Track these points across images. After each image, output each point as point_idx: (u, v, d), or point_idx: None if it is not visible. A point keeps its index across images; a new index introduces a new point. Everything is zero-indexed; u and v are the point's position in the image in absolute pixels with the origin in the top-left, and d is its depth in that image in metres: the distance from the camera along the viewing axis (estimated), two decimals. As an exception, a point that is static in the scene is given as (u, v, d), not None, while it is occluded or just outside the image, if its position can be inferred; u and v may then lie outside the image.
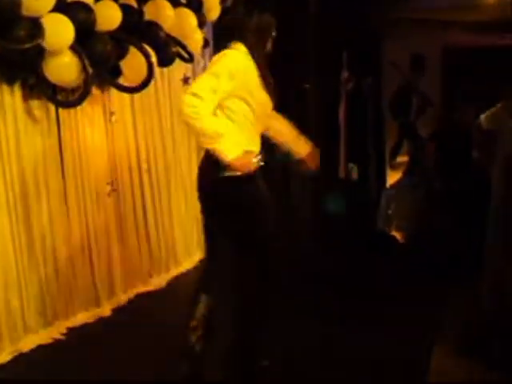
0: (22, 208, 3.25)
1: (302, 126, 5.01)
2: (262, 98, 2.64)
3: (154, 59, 3.54)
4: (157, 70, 3.76)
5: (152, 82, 3.66)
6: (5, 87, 3.11)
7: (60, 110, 3.43)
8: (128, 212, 4.01)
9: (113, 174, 3.86)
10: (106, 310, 3.71)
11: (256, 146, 2.66)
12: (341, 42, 5.65)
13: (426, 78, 5.81)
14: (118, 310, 3.76)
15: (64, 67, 3.08)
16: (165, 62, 3.81)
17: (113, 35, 3.29)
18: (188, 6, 3.97)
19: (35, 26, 2.89)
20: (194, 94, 2.45)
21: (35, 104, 3.29)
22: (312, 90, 5.12)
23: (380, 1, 5.47)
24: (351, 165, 6.14)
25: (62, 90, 3.32)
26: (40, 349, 3.26)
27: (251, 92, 2.59)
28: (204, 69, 4.72)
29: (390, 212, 5.21)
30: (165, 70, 4.18)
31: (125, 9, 3.35)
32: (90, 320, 3.60)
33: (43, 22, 2.91)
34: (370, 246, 4.73)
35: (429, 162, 4.78)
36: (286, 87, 2.74)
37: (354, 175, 6.20)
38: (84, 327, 3.53)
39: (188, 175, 4.63)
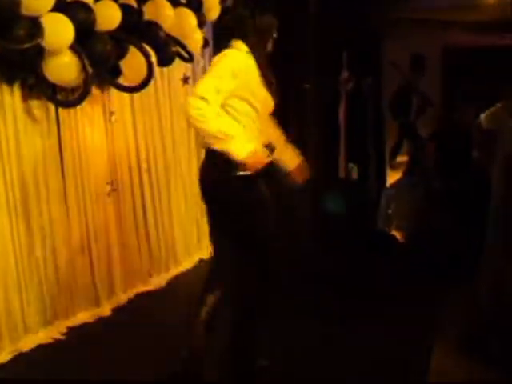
0: (21, 208, 3.25)
1: (302, 125, 5.04)
2: (264, 97, 2.64)
3: (153, 59, 3.54)
4: (156, 69, 3.76)
5: (152, 82, 3.66)
6: (4, 87, 3.10)
7: (60, 109, 3.43)
8: (128, 212, 4.01)
9: (113, 174, 3.86)
10: (105, 310, 3.71)
11: (259, 145, 2.66)
12: (341, 42, 5.65)
13: (426, 78, 5.82)
14: (117, 310, 3.76)
15: (64, 67, 3.08)
16: (164, 61, 3.81)
17: (112, 35, 3.29)
18: (188, 5, 3.97)
19: (35, 26, 2.89)
20: (199, 97, 2.45)
21: (35, 104, 3.28)
22: (312, 89, 5.12)
23: (380, 1, 5.47)
24: (351, 165, 6.15)
25: (62, 89, 3.32)
26: (40, 348, 3.26)
27: (253, 91, 2.59)
28: (204, 69, 4.74)
29: (389, 212, 5.21)
30: (164, 69, 4.18)
31: (124, 8, 3.35)
32: (90, 320, 3.59)
33: (43, 22, 2.91)
34: (369, 246, 4.73)
35: (429, 161, 4.78)
36: (286, 87, 2.73)
37: (354, 175, 6.21)
38: (84, 327, 3.53)
39: (188, 175, 4.63)
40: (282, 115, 2.92)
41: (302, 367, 2.95)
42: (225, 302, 2.78)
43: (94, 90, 3.56)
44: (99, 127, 3.75)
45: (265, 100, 2.65)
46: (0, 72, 3.04)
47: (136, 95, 3.95)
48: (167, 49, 3.77)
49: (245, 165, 2.54)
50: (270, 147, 2.69)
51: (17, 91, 3.17)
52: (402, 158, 6.10)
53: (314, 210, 5.41)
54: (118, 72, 3.54)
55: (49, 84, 3.17)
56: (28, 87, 3.21)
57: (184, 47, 3.95)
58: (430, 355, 3.03)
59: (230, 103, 2.57)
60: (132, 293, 3.97)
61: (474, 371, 2.87)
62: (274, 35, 2.72)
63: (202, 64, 4.71)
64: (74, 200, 3.58)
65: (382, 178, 6.38)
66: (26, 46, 2.86)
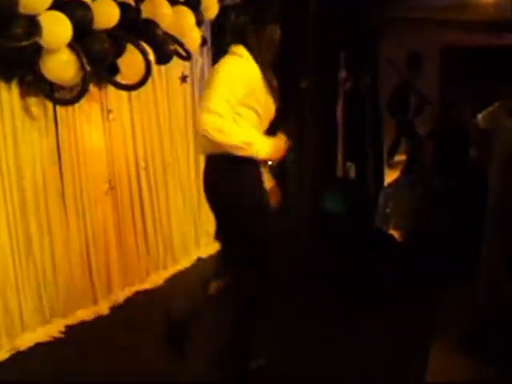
0: (19, 206, 3.25)
1: (300, 125, 5.05)
2: (267, 103, 2.65)
3: (151, 57, 3.54)
4: (154, 68, 3.76)
5: (150, 80, 3.65)
6: (2, 85, 3.11)
7: (57, 107, 3.43)
8: (126, 210, 4.01)
9: (110, 172, 3.86)
10: (103, 308, 3.71)
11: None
12: (339, 41, 5.66)
13: (424, 77, 5.82)
14: (115, 308, 3.76)
15: (61, 65, 3.08)
16: (162, 59, 3.81)
17: (110, 33, 3.29)
18: (186, 3, 3.97)
19: (32, 24, 2.89)
20: (212, 112, 2.44)
21: (33, 101, 3.28)
22: (310, 89, 5.13)
23: (378, 0, 5.48)
24: (349, 164, 6.15)
25: (60, 87, 3.32)
26: (38, 347, 3.26)
27: (257, 98, 2.59)
28: (202, 68, 4.74)
29: (387, 211, 5.21)
30: (162, 68, 4.18)
31: (122, 7, 3.35)
32: (88, 318, 3.59)
33: (41, 20, 2.91)
34: (368, 245, 4.74)
35: (427, 160, 4.78)
36: (285, 87, 2.74)
37: (352, 174, 6.21)
38: (82, 325, 3.53)
39: (186, 173, 4.64)
40: (281, 115, 2.92)
41: (301, 367, 2.95)
42: (225, 301, 2.79)
43: (92, 88, 3.55)
44: (97, 125, 3.74)
45: (267, 106, 2.65)
46: (-2, 70, 3.05)
47: (134, 93, 3.95)
48: (165, 47, 3.77)
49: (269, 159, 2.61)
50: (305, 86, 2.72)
51: (15, 89, 3.17)
52: (400, 157, 6.11)
53: (312, 208, 5.42)
54: (115, 70, 3.54)
55: (47, 82, 3.17)
56: (26, 85, 3.21)
57: (182, 45, 3.95)
58: (427, 354, 3.03)
59: (236, 111, 2.56)
60: (130, 291, 3.97)
61: (473, 370, 2.87)
62: (276, 41, 2.71)
63: (200, 63, 4.72)
64: (71, 198, 3.58)
65: (380, 176, 6.39)
66: (24, 44, 2.86)
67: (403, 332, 3.29)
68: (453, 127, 4.59)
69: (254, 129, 2.61)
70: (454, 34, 6.23)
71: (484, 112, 3.31)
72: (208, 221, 4.76)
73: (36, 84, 3.21)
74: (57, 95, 3.35)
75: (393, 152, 6.18)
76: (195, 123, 2.61)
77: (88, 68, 3.13)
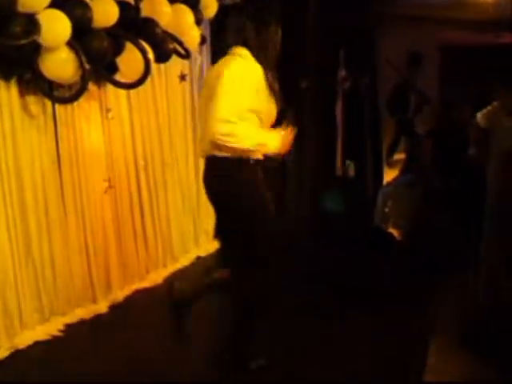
0: (18, 204, 3.24)
1: (300, 124, 5.03)
2: (270, 106, 2.66)
3: (150, 55, 3.53)
4: (154, 66, 3.75)
5: (149, 79, 3.65)
6: (1, 83, 3.10)
7: (56, 106, 3.43)
8: (125, 208, 4.01)
9: (109, 171, 3.86)
10: (102, 307, 3.70)
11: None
12: (338, 40, 5.66)
13: (423, 76, 5.82)
14: (114, 307, 3.75)
15: (60, 63, 3.08)
16: (161, 58, 3.81)
17: (109, 31, 3.29)
18: (185, 2, 3.97)
19: (31, 22, 2.88)
20: (224, 121, 2.46)
21: (32, 100, 3.28)
22: (310, 88, 5.13)
23: (377, -1, 5.49)
24: (348, 162, 6.16)
25: (59, 86, 3.32)
26: (37, 345, 3.25)
27: (261, 101, 2.60)
28: (201, 66, 4.74)
29: (386, 210, 5.22)
30: (162, 66, 4.17)
31: (121, 5, 3.35)
32: (87, 316, 3.59)
33: (39, 19, 2.91)
34: (367, 244, 4.74)
35: (426, 159, 4.79)
36: (285, 87, 2.74)
37: (351, 173, 6.22)
38: (81, 323, 3.52)
39: (185, 171, 4.64)
40: (280, 114, 2.92)
41: (301, 367, 2.94)
42: (224, 301, 2.79)
43: (91, 87, 3.55)
44: (96, 124, 3.74)
45: (269, 109, 2.66)
46: (-3, 68, 3.05)
47: (133, 92, 3.94)
48: (164, 45, 3.76)
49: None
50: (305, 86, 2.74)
51: (13, 87, 3.17)
52: (399, 156, 6.11)
53: (312, 208, 5.42)
54: (114, 68, 3.54)
55: (46, 80, 3.17)
56: (25, 83, 3.20)
57: (181, 44, 3.94)
58: (427, 353, 3.03)
59: (241, 115, 2.55)
60: (129, 290, 3.97)
61: (473, 370, 2.87)
62: (278, 42, 2.71)
63: (199, 61, 4.72)
64: (70, 197, 3.57)
65: (379, 175, 6.39)
66: (23, 42, 2.86)
67: (402, 331, 3.29)
68: (452, 126, 4.60)
69: (260, 128, 2.62)
70: (454, 33, 6.24)
71: (483, 111, 3.31)
72: (207, 219, 4.76)
73: (35, 82, 3.20)
74: (56, 94, 3.34)
75: (392, 151, 6.18)
76: (208, 132, 2.58)
77: (87, 66, 3.12)
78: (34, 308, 3.35)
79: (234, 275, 2.76)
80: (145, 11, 3.63)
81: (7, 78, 3.12)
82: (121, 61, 3.48)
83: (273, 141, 2.64)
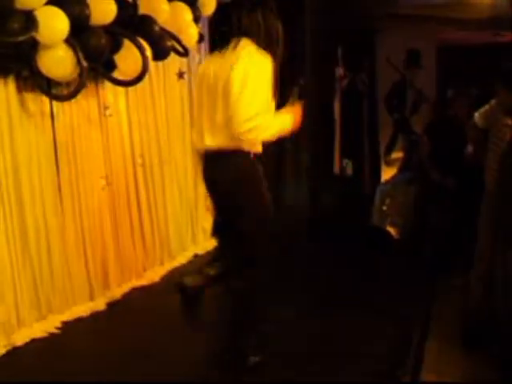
0: (15, 201, 3.24)
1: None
2: (270, 99, 2.65)
3: (148, 53, 3.53)
4: (152, 64, 3.76)
5: (147, 76, 3.65)
6: (-1, 80, 3.11)
7: (54, 103, 3.43)
8: (122, 206, 4.01)
9: (107, 168, 3.86)
10: (100, 304, 3.71)
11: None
12: (336, 38, 5.66)
13: (422, 74, 5.82)
14: (112, 304, 3.75)
15: (58, 60, 3.07)
16: (159, 55, 3.80)
17: (107, 29, 3.29)
18: (183, 0, 3.97)
19: (29, 19, 2.88)
20: (248, 119, 2.48)
21: (29, 97, 3.28)
22: (307, 86, 5.13)
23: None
24: (346, 161, 6.16)
25: (57, 83, 3.32)
26: (34, 342, 3.25)
27: (269, 96, 2.61)
28: (199, 64, 4.74)
29: (384, 208, 5.22)
30: (160, 64, 4.17)
31: (119, 2, 3.34)
32: (85, 314, 3.59)
33: (37, 15, 2.90)
34: (365, 242, 4.75)
35: (423, 157, 4.79)
36: (283, 84, 2.75)
37: (349, 171, 6.22)
38: (78, 321, 3.52)
39: (183, 169, 4.64)
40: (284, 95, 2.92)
41: (300, 366, 2.94)
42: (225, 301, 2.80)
43: (89, 84, 3.55)
44: (94, 121, 3.74)
45: (270, 102, 2.66)
46: (-6, 65, 3.05)
47: (131, 89, 3.94)
48: (162, 43, 3.76)
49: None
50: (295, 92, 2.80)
51: (11, 84, 3.17)
52: (397, 154, 6.12)
53: (310, 206, 5.42)
54: (112, 66, 3.53)
55: (43, 77, 3.16)
56: (23, 80, 3.20)
57: (179, 42, 3.94)
58: (423, 351, 3.04)
59: None
60: (127, 287, 3.97)
61: (473, 370, 2.88)
62: (279, 33, 2.72)
63: (197, 59, 4.71)
64: (68, 194, 3.57)
65: (377, 173, 6.40)
66: (21, 39, 2.86)
67: (400, 329, 3.30)
68: (449, 124, 4.60)
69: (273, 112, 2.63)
70: (452, 32, 6.24)
71: (481, 110, 3.31)
72: (204, 217, 4.77)
73: (33, 79, 3.20)
74: (54, 91, 3.34)
75: (390, 149, 6.18)
76: (229, 126, 2.59)
77: (85, 64, 3.12)
78: (32, 305, 3.35)
79: (233, 275, 2.76)
80: (143, 9, 3.63)
81: (5, 75, 3.12)
82: (119, 58, 3.48)
83: (287, 121, 2.68)
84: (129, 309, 3.73)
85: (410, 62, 5.74)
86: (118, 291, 3.89)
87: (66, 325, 3.46)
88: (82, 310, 3.61)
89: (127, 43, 3.42)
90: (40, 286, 3.40)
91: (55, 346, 3.25)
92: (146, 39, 3.53)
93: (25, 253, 3.31)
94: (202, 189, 4.76)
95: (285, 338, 3.10)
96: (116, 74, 3.59)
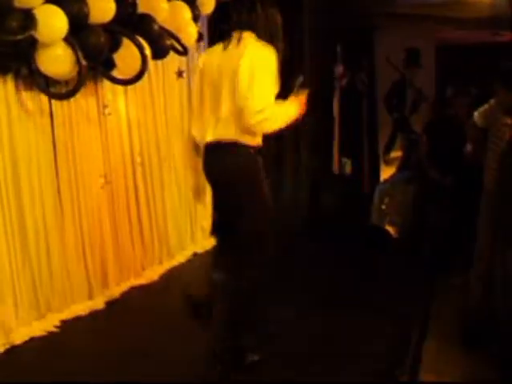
0: (14, 200, 3.24)
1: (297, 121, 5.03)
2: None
3: (147, 52, 3.53)
4: (151, 62, 3.75)
5: (146, 75, 3.65)
6: (-2, 79, 3.10)
7: (53, 101, 3.42)
8: (121, 205, 4.00)
9: (106, 167, 3.85)
10: (99, 303, 3.70)
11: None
12: (335, 37, 5.66)
13: (421, 73, 5.83)
14: (111, 303, 3.75)
15: (57, 59, 3.07)
16: (159, 54, 3.80)
17: (106, 27, 3.28)
18: (182, -2, 3.97)
19: (28, 17, 2.88)
20: (259, 111, 2.51)
21: (28, 96, 3.28)
22: (307, 84, 5.13)
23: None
24: (345, 159, 6.17)
25: (56, 82, 3.31)
26: (33, 341, 3.25)
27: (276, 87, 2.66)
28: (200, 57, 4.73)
29: (383, 207, 5.22)
30: (159, 62, 4.17)
31: (118, 1, 3.34)
32: (84, 312, 3.59)
33: (36, 14, 2.90)
34: (364, 241, 4.75)
35: (422, 156, 4.79)
36: (282, 83, 2.76)
37: (348, 170, 6.23)
38: (77, 320, 3.52)
39: (182, 168, 4.63)
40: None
41: (301, 366, 2.93)
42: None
43: (88, 83, 3.54)
44: (93, 120, 3.74)
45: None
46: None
47: (130, 88, 3.94)
48: (161, 42, 3.76)
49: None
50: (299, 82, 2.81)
51: (10, 83, 3.16)
52: (396, 153, 6.12)
53: (309, 206, 5.43)
54: (111, 65, 3.53)
55: (42, 76, 3.16)
56: (21, 78, 3.19)
57: (178, 40, 3.94)
58: (421, 351, 3.04)
59: None
60: (125, 286, 3.96)
61: (473, 369, 2.87)
62: (279, 26, 2.75)
63: (196, 58, 4.70)
64: (67, 193, 3.57)
65: (376, 173, 6.40)
66: (19, 37, 2.86)
67: (400, 329, 3.30)
68: (449, 123, 4.60)
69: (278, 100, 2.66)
70: (452, 32, 6.24)
71: (480, 110, 3.31)
72: (203, 216, 4.76)
73: (31, 78, 3.20)
74: (52, 90, 3.34)
75: (389, 148, 6.19)
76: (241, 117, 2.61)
77: (84, 62, 3.11)
78: (31, 304, 3.34)
79: (233, 274, 2.76)
80: (142, 7, 3.62)
81: (4, 74, 3.11)
82: (118, 57, 3.48)
83: (294, 110, 2.70)
84: (128, 308, 3.73)
85: (409, 61, 5.74)
86: (116, 290, 3.88)
87: (65, 324, 3.45)
88: (81, 308, 3.60)
89: (126, 42, 3.42)
90: (39, 285, 3.39)
91: (54, 344, 3.24)
92: (145, 38, 3.53)
93: (24, 251, 3.31)
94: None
95: (285, 338, 3.10)
96: (115, 73, 3.59)
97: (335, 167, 6.21)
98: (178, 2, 3.92)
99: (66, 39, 3.04)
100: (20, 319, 3.27)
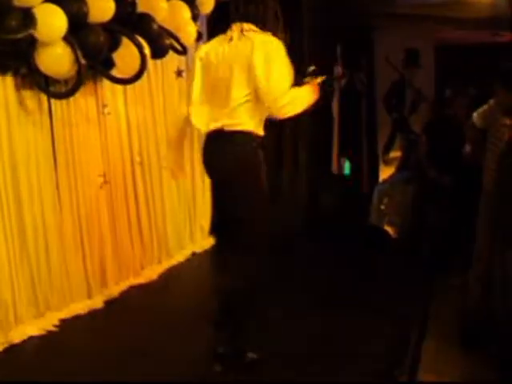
0: (13, 199, 3.24)
1: (296, 122, 5.05)
2: None
3: (147, 51, 3.53)
4: (150, 62, 3.75)
5: (145, 74, 3.65)
6: (-3, 78, 3.10)
7: (52, 100, 3.42)
8: (120, 204, 4.00)
9: (105, 167, 3.85)
10: (98, 302, 3.70)
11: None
12: (334, 36, 5.66)
13: (420, 74, 5.83)
14: (109, 302, 3.75)
15: (56, 58, 3.07)
16: (158, 53, 3.80)
17: (106, 26, 3.28)
18: (181, -2, 3.97)
19: (27, 16, 2.88)
20: (284, 98, 2.59)
21: (27, 95, 3.27)
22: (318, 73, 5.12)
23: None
24: (344, 160, 6.17)
25: (55, 81, 3.31)
26: (32, 340, 3.25)
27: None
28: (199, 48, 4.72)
29: (382, 207, 5.22)
30: (158, 62, 4.17)
31: (118, 0, 3.34)
32: (82, 311, 3.59)
33: (35, 13, 2.90)
34: (363, 241, 4.75)
35: (422, 156, 4.80)
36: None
37: (347, 170, 6.23)
38: (76, 318, 3.52)
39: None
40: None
41: (301, 366, 2.93)
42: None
43: (87, 82, 3.54)
44: (92, 119, 3.74)
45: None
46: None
47: (129, 87, 3.94)
48: (161, 41, 3.76)
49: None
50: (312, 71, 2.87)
51: (9, 82, 3.16)
52: (395, 154, 6.13)
53: (308, 206, 5.43)
54: (111, 64, 3.53)
55: (41, 75, 3.16)
56: (21, 77, 3.19)
57: (177, 40, 3.93)
58: (420, 351, 3.04)
59: None
60: (124, 285, 3.96)
61: (473, 369, 2.88)
62: (279, 16, 2.81)
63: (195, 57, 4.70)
64: (66, 191, 3.57)
65: (375, 173, 6.41)
66: (19, 36, 2.85)
67: (399, 329, 3.30)
68: (448, 124, 4.60)
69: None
70: (450, 31, 6.24)
71: (479, 110, 3.31)
72: (203, 215, 4.76)
73: (31, 77, 3.20)
74: (52, 89, 3.33)
75: (388, 148, 6.19)
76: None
77: (83, 61, 3.11)
78: (29, 303, 3.34)
79: (231, 264, 2.77)
80: (141, 6, 3.62)
81: (3, 73, 3.11)
82: (117, 56, 3.48)
83: (310, 94, 2.76)
84: (126, 307, 3.73)
85: (408, 61, 5.74)
86: (115, 289, 3.88)
87: (64, 322, 3.45)
88: (80, 307, 3.60)
89: (125, 41, 3.42)
90: (38, 284, 3.39)
91: (52, 343, 3.24)
92: (145, 37, 3.53)
93: (23, 250, 3.31)
94: (200, 187, 4.76)
95: (284, 338, 3.10)
96: (114, 72, 3.58)
97: (334, 167, 6.21)
98: (177, 2, 3.92)
99: (66, 38, 3.04)
100: (18, 318, 3.27)
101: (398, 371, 2.87)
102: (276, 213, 2.87)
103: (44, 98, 3.38)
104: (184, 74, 4.57)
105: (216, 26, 4.24)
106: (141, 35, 3.50)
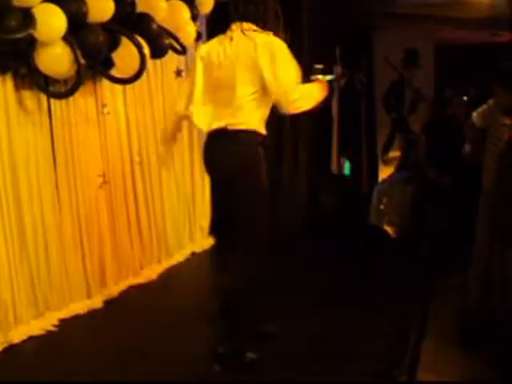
0: (13, 199, 3.23)
1: (295, 121, 5.05)
2: None
3: (146, 51, 3.52)
4: (149, 61, 3.75)
5: (144, 74, 3.64)
6: (-3, 78, 3.10)
7: (52, 100, 3.42)
8: (119, 204, 4.00)
9: (105, 166, 3.85)
10: (97, 302, 3.70)
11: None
12: (333, 35, 5.66)
13: (420, 73, 5.84)
14: (109, 302, 3.75)
15: (56, 58, 3.07)
16: (157, 53, 3.80)
17: (105, 26, 3.28)
18: (181, -2, 3.96)
19: (27, 16, 2.88)
20: (295, 89, 2.63)
21: (27, 94, 3.27)
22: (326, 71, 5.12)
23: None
24: (343, 159, 6.17)
25: (55, 81, 3.31)
26: (31, 340, 3.24)
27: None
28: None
29: (382, 207, 5.23)
30: (157, 62, 4.17)
31: (117, 0, 3.33)
32: (82, 311, 3.59)
33: (35, 12, 2.90)
34: (362, 241, 4.75)
35: (421, 156, 4.80)
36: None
37: (346, 170, 6.23)
38: (75, 318, 3.52)
39: (180, 167, 4.63)
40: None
41: (300, 366, 2.93)
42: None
43: (86, 82, 3.54)
44: (91, 119, 3.73)
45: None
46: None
47: (128, 87, 3.93)
48: (160, 41, 3.76)
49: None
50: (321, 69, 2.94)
51: (9, 82, 3.16)
52: (394, 153, 6.13)
53: (308, 205, 5.43)
54: (110, 64, 3.52)
55: (41, 75, 3.16)
56: (20, 77, 3.19)
57: (177, 39, 3.94)
58: (420, 351, 3.04)
59: None
60: (124, 285, 3.96)
61: (472, 369, 2.88)
62: (279, 15, 2.84)
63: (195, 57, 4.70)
64: (65, 192, 3.57)
65: (375, 172, 6.41)
66: (18, 36, 2.85)
67: (398, 329, 3.29)
68: (447, 123, 4.61)
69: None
70: (449, 31, 6.24)
71: (478, 110, 3.32)
72: (202, 215, 4.76)
73: (30, 77, 3.19)
74: (51, 88, 3.33)
75: (387, 148, 6.20)
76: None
77: (82, 61, 3.11)
78: (29, 302, 3.34)
79: (231, 264, 2.77)
80: (140, 6, 3.62)
81: (3, 73, 3.11)
82: (116, 56, 3.48)
83: (319, 91, 2.79)
84: (126, 306, 3.73)
85: (408, 61, 5.74)
86: (114, 289, 3.88)
87: (63, 322, 3.45)
88: (79, 307, 3.60)
89: (125, 41, 3.42)
90: (37, 284, 3.39)
91: (52, 343, 3.24)
92: (144, 37, 3.53)
93: (22, 250, 3.30)
94: (200, 187, 4.76)
95: (284, 338, 3.09)
96: (114, 72, 3.58)
97: (334, 167, 6.21)
98: (176, 2, 3.92)
99: (65, 38, 3.04)
100: (18, 318, 3.27)
101: (397, 371, 2.87)
102: (276, 213, 2.86)
103: (43, 97, 3.37)
104: (183, 74, 4.56)
105: (215, 25, 4.24)
106: (140, 35, 3.50)
